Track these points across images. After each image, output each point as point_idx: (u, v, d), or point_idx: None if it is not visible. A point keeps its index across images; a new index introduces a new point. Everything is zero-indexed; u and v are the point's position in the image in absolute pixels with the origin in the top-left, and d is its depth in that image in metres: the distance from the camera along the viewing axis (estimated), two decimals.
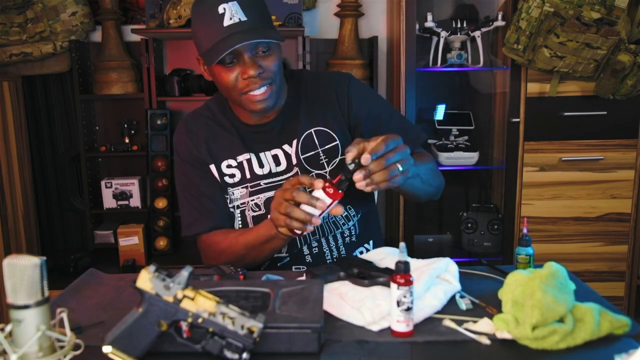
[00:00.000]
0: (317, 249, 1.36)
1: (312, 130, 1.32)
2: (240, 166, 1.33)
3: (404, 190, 1.19)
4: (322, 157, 1.32)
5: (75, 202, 2.88)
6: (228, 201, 1.35)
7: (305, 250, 1.35)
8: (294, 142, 1.32)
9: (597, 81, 2.25)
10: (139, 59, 2.65)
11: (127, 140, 2.73)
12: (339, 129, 1.33)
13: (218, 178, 1.34)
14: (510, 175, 2.44)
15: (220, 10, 1.14)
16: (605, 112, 2.34)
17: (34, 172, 2.76)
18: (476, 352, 0.86)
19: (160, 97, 2.62)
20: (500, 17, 2.37)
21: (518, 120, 2.38)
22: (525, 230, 1.16)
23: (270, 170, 1.32)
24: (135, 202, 2.72)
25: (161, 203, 2.64)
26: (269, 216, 1.15)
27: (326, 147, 1.32)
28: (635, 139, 2.37)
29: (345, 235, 1.38)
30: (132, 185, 2.70)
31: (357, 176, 1.00)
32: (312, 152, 1.32)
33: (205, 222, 1.33)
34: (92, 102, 2.77)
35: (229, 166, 1.33)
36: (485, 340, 0.88)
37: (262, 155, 1.33)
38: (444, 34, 2.40)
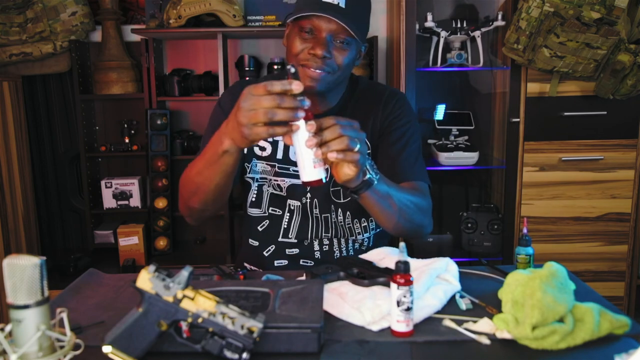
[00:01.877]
0: (327, 247, 1.36)
1: None
2: (274, 144, 1.32)
3: (369, 200, 1.10)
4: None
5: (75, 202, 2.88)
6: (247, 171, 1.34)
7: (316, 245, 1.35)
8: None
9: (597, 81, 2.25)
10: (139, 59, 2.65)
11: (127, 140, 2.73)
12: (371, 137, 1.33)
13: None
14: (510, 175, 2.43)
15: None
16: (605, 112, 2.34)
17: (34, 172, 2.76)
18: (476, 352, 0.86)
19: (160, 97, 2.62)
20: (500, 17, 2.37)
21: (518, 120, 2.38)
22: (525, 230, 1.16)
23: None
24: (135, 202, 2.72)
25: (161, 203, 2.64)
26: (227, 139, 1.02)
27: None
28: (635, 139, 2.37)
29: (357, 243, 1.38)
30: (132, 185, 2.70)
31: (310, 142, 0.94)
32: None
33: None
34: (92, 102, 2.77)
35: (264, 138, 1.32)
36: (485, 340, 0.88)
37: None
38: (444, 34, 2.40)
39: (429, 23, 2.37)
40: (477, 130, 2.64)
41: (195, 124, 2.84)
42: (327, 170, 0.99)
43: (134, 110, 2.77)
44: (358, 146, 0.97)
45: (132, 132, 2.77)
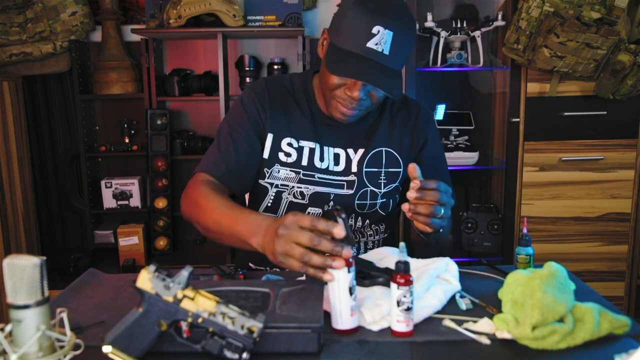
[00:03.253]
0: None
1: (383, 149, 1.32)
2: (299, 150, 1.29)
3: (428, 239, 1.19)
4: (383, 178, 1.32)
5: (75, 202, 2.88)
6: (266, 175, 1.29)
7: None
8: (361, 150, 1.31)
9: (597, 81, 2.25)
10: (139, 59, 2.65)
11: (127, 140, 2.73)
12: (406, 158, 1.34)
13: (269, 149, 1.28)
14: (510, 175, 2.44)
15: (374, 30, 1.10)
16: (605, 112, 2.34)
17: (34, 172, 2.76)
18: (476, 352, 0.86)
19: (160, 97, 2.62)
20: (500, 17, 2.37)
21: (518, 120, 2.38)
22: (525, 230, 1.16)
23: (328, 167, 1.30)
24: (135, 202, 2.72)
25: (161, 203, 2.64)
26: (257, 242, 1.00)
27: (390, 169, 1.33)
28: (635, 139, 2.37)
29: (368, 247, 1.38)
30: (132, 185, 2.70)
31: (405, 207, 1.04)
32: (375, 169, 1.31)
33: (213, 168, 1.24)
34: (92, 102, 2.77)
35: (289, 144, 1.29)
36: (485, 340, 0.88)
37: (325, 148, 1.30)
38: (444, 34, 2.40)
39: (429, 23, 2.37)
40: (477, 130, 2.64)
41: (195, 124, 2.84)
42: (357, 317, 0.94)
43: (134, 110, 2.77)
44: (442, 211, 1.04)
45: (132, 132, 2.77)
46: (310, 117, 1.30)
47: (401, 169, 1.33)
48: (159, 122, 2.59)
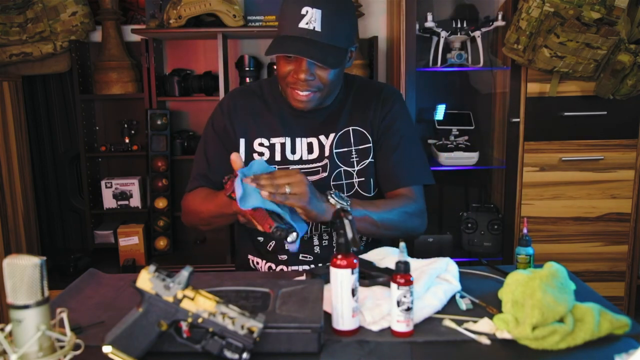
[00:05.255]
0: (327, 242, 1.37)
1: (350, 128, 1.37)
2: (271, 147, 1.37)
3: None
4: (354, 156, 1.37)
5: (75, 202, 2.88)
6: None
7: (315, 240, 1.37)
8: (332, 135, 1.37)
9: (597, 81, 2.25)
10: (139, 59, 2.65)
11: (127, 140, 2.73)
12: (375, 133, 1.38)
13: (243, 153, 1.37)
14: (510, 175, 2.43)
15: (303, 11, 1.18)
16: (605, 112, 2.34)
17: (34, 172, 2.76)
18: (476, 352, 0.86)
19: (160, 97, 2.62)
20: (500, 17, 2.37)
21: (518, 120, 2.38)
22: (525, 230, 1.16)
23: (302, 157, 1.37)
24: (135, 202, 2.71)
25: (161, 203, 2.64)
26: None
27: (360, 147, 1.37)
28: (635, 139, 2.37)
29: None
30: (132, 185, 2.70)
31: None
32: (346, 149, 1.37)
33: (195, 184, 1.39)
34: (92, 102, 2.77)
35: (260, 144, 1.38)
36: (485, 340, 0.88)
37: (297, 140, 1.37)
38: (444, 34, 2.40)
39: (429, 23, 2.37)
40: (477, 130, 2.64)
41: (195, 124, 2.84)
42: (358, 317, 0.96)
43: (134, 110, 2.77)
44: (288, 190, 1.08)
45: (132, 132, 2.77)
46: (279, 114, 1.38)
47: (371, 144, 1.37)
48: (159, 122, 2.59)
